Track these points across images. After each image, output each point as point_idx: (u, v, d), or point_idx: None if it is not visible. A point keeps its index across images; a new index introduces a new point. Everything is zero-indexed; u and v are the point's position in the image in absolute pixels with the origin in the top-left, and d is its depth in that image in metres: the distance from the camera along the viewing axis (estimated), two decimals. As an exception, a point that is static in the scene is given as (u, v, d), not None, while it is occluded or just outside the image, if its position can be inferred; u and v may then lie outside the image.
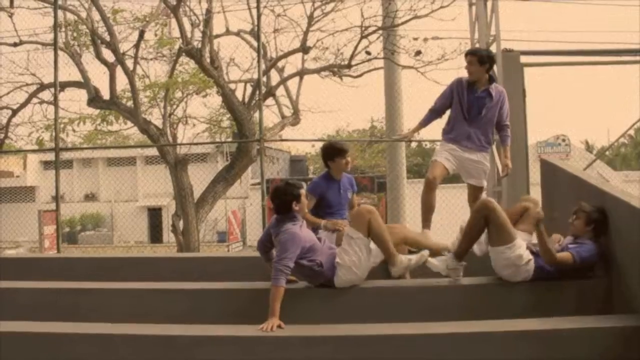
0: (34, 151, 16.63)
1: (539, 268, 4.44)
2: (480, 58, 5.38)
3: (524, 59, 8.26)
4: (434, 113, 5.68)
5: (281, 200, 4.41)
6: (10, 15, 10.79)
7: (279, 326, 3.95)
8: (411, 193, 11.22)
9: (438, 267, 4.52)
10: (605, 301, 4.33)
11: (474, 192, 5.62)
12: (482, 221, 4.47)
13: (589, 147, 35.14)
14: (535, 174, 7.83)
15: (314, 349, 3.79)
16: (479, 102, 5.40)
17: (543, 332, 3.71)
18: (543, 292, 4.38)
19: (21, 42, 10.82)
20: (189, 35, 10.05)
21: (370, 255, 4.50)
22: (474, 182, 5.57)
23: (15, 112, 11.44)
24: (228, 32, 10.78)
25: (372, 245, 4.52)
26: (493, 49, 7.80)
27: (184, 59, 11.07)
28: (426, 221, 5.38)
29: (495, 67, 5.75)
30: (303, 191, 4.53)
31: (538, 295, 4.37)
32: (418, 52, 9.93)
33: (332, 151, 5.38)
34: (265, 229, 4.66)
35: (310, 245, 4.38)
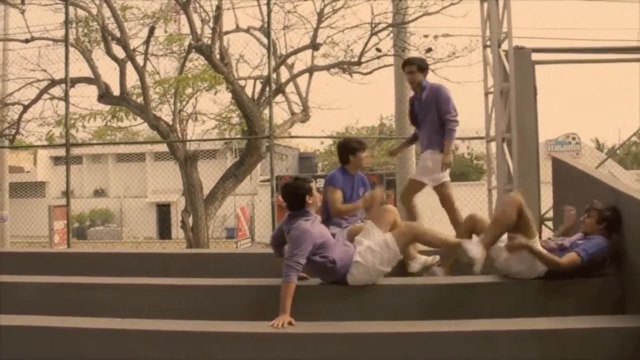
0: (44, 147, 16.71)
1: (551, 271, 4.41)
2: (419, 67, 5.89)
3: (535, 56, 8.20)
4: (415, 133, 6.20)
5: (294, 196, 4.41)
6: (22, 12, 10.85)
7: (290, 323, 3.95)
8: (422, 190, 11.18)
9: (472, 251, 4.44)
10: (618, 301, 4.29)
11: (414, 186, 5.87)
12: (514, 213, 4.47)
13: (599, 146, 34.93)
14: (545, 173, 7.79)
15: (325, 346, 3.78)
16: (420, 107, 5.86)
17: (555, 331, 3.69)
18: (555, 291, 4.35)
19: (32, 39, 10.86)
20: (199, 31, 10.06)
21: (390, 260, 4.47)
22: (416, 177, 5.94)
23: (26, 108, 11.48)
24: (238, 28, 10.77)
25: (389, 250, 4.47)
26: (505, 46, 7.74)
27: (193, 55, 11.08)
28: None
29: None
30: (313, 185, 4.52)
31: (550, 294, 4.34)
32: (429, 50, 9.90)
33: (355, 144, 5.51)
34: (278, 225, 4.66)
35: (323, 241, 4.36)
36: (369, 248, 4.40)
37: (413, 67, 5.85)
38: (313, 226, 4.36)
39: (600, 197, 4.79)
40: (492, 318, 4.00)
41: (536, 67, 8.20)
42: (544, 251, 4.41)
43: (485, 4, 8.05)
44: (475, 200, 11.07)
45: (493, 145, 8.11)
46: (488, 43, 8.03)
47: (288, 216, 4.46)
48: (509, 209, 4.53)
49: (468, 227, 4.82)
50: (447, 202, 5.85)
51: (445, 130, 5.67)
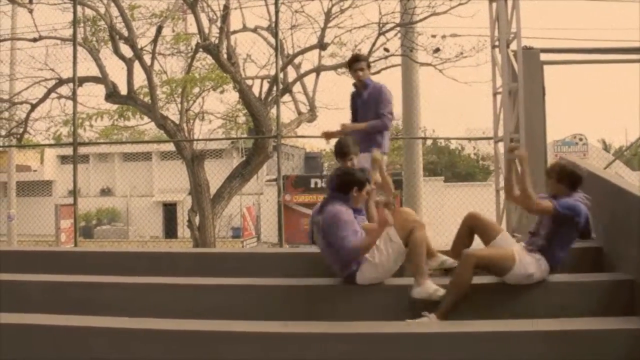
0: (52, 145, 16.76)
1: (552, 262, 4.37)
2: (368, 64, 5.98)
3: (543, 56, 8.16)
4: None
5: (347, 181, 4.46)
6: (30, 11, 10.88)
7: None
8: (427, 191, 11.19)
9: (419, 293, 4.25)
10: (628, 302, 4.25)
11: None
12: (469, 274, 4.20)
13: (606, 147, 34.78)
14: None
15: (332, 346, 3.77)
16: (362, 104, 5.80)
17: (565, 332, 3.66)
18: (565, 292, 4.33)
19: (40, 38, 10.90)
20: (206, 31, 10.07)
21: (395, 255, 4.38)
22: None
23: (34, 107, 11.53)
24: (245, 28, 10.78)
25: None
26: (513, 46, 7.72)
27: (201, 54, 11.09)
28: None
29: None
30: (370, 187, 4.54)
31: (559, 295, 4.31)
32: (437, 50, 9.88)
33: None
34: (310, 219, 4.70)
35: (353, 229, 4.35)
36: (377, 246, 4.36)
37: (364, 64, 5.86)
38: (347, 211, 4.38)
39: (610, 197, 4.77)
40: (501, 319, 3.98)
41: (545, 67, 8.17)
42: (529, 181, 4.48)
43: (494, 4, 8.02)
44: (482, 200, 11.04)
45: (501, 145, 8.08)
46: (496, 43, 8.00)
47: (321, 204, 4.48)
48: (462, 272, 4.25)
49: (468, 225, 4.74)
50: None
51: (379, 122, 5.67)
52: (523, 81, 7.37)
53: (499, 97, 8.05)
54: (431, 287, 4.22)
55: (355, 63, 5.86)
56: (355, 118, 5.92)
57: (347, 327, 3.93)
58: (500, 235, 4.62)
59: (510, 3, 7.66)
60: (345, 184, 4.45)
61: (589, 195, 4.60)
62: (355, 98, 5.96)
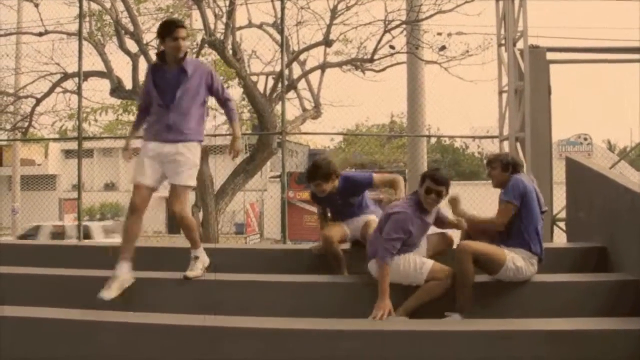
0: (56, 140, 16.78)
1: (531, 250, 4.38)
2: (187, 30, 4.69)
3: (549, 55, 8.15)
4: (141, 113, 4.79)
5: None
6: (36, 5, 10.89)
7: (389, 313, 3.95)
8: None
9: None
10: (635, 302, 4.24)
11: (173, 193, 4.54)
12: (470, 265, 4.17)
13: (610, 147, 34.67)
14: (558, 173, 7.74)
15: (337, 343, 3.77)
16: (175, 83, 4.50)
17: (571, 332, 3.65)
18: (570, 292, 4.32)
19: (46, 32, 10.90)
20: (212, 26, 10.05)
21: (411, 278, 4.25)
22: (172, 181, 4.53)
23: (39, 101, 11.54)
24: (251, 24, 10.76)
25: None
26: (520, 45, 7.70)
27: (206, 50, 11.08)
28: (127, 252, 4.47)
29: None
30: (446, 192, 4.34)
31: (565, 295, 4.30)
32: (442, 48, 9.84)
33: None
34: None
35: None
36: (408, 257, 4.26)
37: (182, 30, 4.50)
38: (412, 220, 4.23)
39: (616, 197, 4.75)
40: (508, 318, 3.97)
41: (550, 66, 8.16)
42: (476, 215, 4.60)
43: (501, 3, 8.01)
44: (485, 199, 11.01)
45: (506, 144, 8.07)
46: (503, 42, 7.99)
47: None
48: (461, 267, 4.17)
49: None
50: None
51: (227, 112, 4.89)
52: (530, 80, 7.36)
53: (504, 95, 8.04)
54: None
55: (179, 29, 4.49)
56: (158, 97, 4.55)
57: (353, 324, 3.92)
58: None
59: (517, 1, 7.64)
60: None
61: (594, 195, 4.59)
62: (155, 73, 4.60)
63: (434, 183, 4.21)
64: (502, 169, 4.60)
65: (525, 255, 4.34)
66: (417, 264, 4.21)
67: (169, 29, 4.48)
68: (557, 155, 12.71)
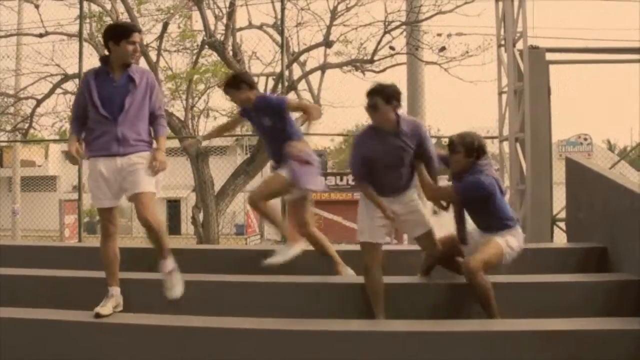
0: (57, 141, 16.80)
1: (512, 225, 4.35)
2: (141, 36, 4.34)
3: (549, 56, 8.16)
4: (78, 121, 4.30)
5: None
6: (37, 7, 10.91)
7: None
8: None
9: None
10: (635, 303, 4.23)
11: (138, 203, 4.15)
12: (483, 280, 4.08)
13: (610, 147, 34.65)
14: (557, 173, 7.75)
15: (332, 345, 3.77)
16: (121, 92, 4.13)
17: (570, 332, 3.65)
18: (571, 292, 4.32)
19: (47, 33, 10.93)
20: (212, 27, 10.07)
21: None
22: (133, 191, 4.15)
23: (39, 102, 11.56)
24: (251, 25, 10.79)
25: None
26: (519, 46, 7.71)
27: (206, 51, 11.10)
28: (112, 275, 4.27)
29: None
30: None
31: (566, 296, 4.30)
32: (442, 49, 9.87)
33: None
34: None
35: None
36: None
37: (139, 36, 4.24)
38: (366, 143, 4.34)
39: (616, 198, 4.75)
40: (508, 318, 3.98)
41: (549, 66, 8.17)
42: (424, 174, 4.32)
43: (500, 3, 8.03)
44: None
45: (505, 144, 8.09)
46: (502, 42, 8.00)
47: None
48: (479, 284, 4.08)
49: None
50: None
51: (157, 127, 4.34)
52: (529, 81, 7.37)
53: (504, 96, 8.05)
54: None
55: (136, 33, 4.19)
56: (98, 108, 4.12)
57: (345, 325, 3.92)
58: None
59: (516, 2, 7.66)
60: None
61: (594, 195, 4.58)
62: (95, 81, 4.18)
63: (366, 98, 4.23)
64: (465, 154, 4.27)
65: (511, 232, 4.30)
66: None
67: (125, 32, 4.13)
68: (557, 156, 12.71)
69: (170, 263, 4.22)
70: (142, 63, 10.20)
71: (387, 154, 4.23)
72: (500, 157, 8.47)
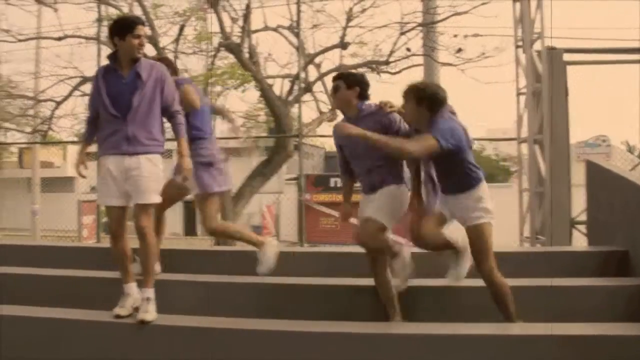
0: (75, 142, 16.94)
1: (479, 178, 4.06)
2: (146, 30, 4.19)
3: (567, 57, 8.08)
4: (91, 124, 4.26)
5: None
6: (55, 11, 11.03)
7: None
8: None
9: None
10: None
11: (138, 210, 4.06)
12: (498, 278, 4.00)
13: (630, 149, 34.27)
14: (576, 175, 7.67)
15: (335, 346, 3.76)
16: (129, 90, 4.01)
17: (592, 337, 3.59)
18: (590, 297, 4.27)
19: (65, 36, 11.04)
20: (228, 30, 10.11)
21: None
22: (136, 200, 4.06)
23: (58, 105, 11.68)
24: (267, 27, 10.81)
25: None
26: (537, 46, 7.65)
27: (222, 53, 11.15)
28: (125, 272, 4.20)
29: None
30: None
31: (585, 300, 4.25)
32: (459, 50, 9.82)
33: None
34: None
35: None
36: None
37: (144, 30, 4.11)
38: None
39: (637, 200, 4.69)
40: (528, 322, 3.94)
41: (567, 67, 8.09)
42: (376, 135, 3.86)
43: (518, 4, 7.97)
44: (503, 202, 10.94)
45: (524, 146, 8.02)
46: (520, 43, 7.94)
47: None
48: (494, 284, 3.99)
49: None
50: None
51: (175, 126, 4.20)
52: (548, 82, 7.31)
53: (521, 97, 7.99)
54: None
55: (141, 26, 4.07)
56: (107, 106, 4.03)
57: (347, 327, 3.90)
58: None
59: (534, 3, 7.60)
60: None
61: (615, 198, 4.53)
62: (104, 79, 4.10)
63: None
64: (417, 102, 3.92)
65: (483, 190, 4.03)
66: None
67: (129, 26, 4.01)
68: (575, 158, 12.60)
69: (150, 292, 4.02)
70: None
71: (351, 141, 4.09)
72: (519, 159, 8.41)
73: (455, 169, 3.97)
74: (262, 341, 3.84)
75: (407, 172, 4.23)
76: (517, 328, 3.87)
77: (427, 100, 3.90)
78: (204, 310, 4.25)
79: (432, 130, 3.81)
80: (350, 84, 4.14)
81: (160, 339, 3.95)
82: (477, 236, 4.00)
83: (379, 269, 4.23)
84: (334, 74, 10.57)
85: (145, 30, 4.10)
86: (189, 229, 27.15)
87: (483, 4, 9.48)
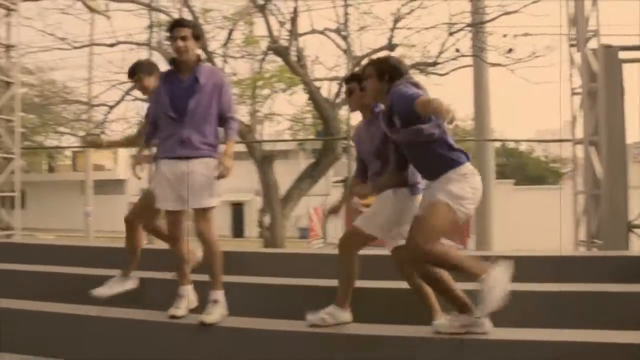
0: (125, 146, 17.37)
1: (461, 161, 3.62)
2: (195, 31, 4.06)
3: (622, 54, 7.83)
4: (151, 126, 4.30)
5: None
6: (108, 18, 11.34)
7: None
8: (497, 194, 10.95)
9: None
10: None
11: (197, 215, 4.07)
12: (448, 253, 3.51)
13: (688, 149, 33.04)
14: (634, 177, 7.44)
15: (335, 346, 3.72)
16: (187, 93, 4.04)
17: (604, 345, 3.45)
18: (615, 304, 4.08)
19: (117, 43, 11.33)
20: (275, 33, 10.20)
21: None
22: (193, 205, 4.04)
23: (111, 109, 12.00)
24: (314, 30, 10.85)
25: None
26: (593, 44, 7.44)
27: (270, 57, 11.25)
28: (182, 275, 4.28)
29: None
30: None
31: (610, 307, 4.06)
32: (509, 50, 9.65)
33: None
34: None
35: None
36: None
37: (186, 30, 4.03)
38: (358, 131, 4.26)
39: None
40: (582, 329, 3.82)
41: (622, 65, 7.84)
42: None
43: (571, 2, 7.78)
44: (554, 205, 10.70)
45: (579, 147, 7.82)
46: (573, 42, 7.75)
47: None
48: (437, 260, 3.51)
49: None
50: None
51: (227, 130, 4.13)
52: (604, 81, 7.10)
53: (575, 97, 7.79)
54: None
55: (174, 32, 4.03)
56: (166, 108, 4.06)
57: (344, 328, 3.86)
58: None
59: (588, 2, 7.41)
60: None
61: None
62: (166, 81, 4.15)
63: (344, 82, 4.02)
64: (378, 77, 3.67)
65: (454, 173, 3.57)
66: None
67: (168, 29, 4.05)
68: (632, 159, 12.23)
69: (219, 295, 4.05)
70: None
71: (364, 141, 3.99)
72: (573, 160, 8.21)
73: (426, 153, 3.59)
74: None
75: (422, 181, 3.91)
76: (567, 335, 3.73)
77: (388, 73, 3.65)
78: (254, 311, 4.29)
79: (405, 96, 3.44)
80: (380, 75, 3.71)
81: (223, 341, 3.97)
82: (430, 213, 3.52)
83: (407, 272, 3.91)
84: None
85: (184, 31, 3.99)
86: (237, 231, 27.47)
87: (533, 2, 9.30)
